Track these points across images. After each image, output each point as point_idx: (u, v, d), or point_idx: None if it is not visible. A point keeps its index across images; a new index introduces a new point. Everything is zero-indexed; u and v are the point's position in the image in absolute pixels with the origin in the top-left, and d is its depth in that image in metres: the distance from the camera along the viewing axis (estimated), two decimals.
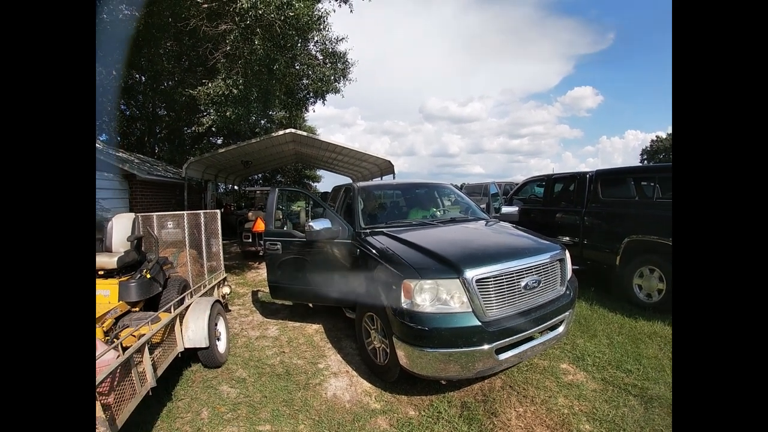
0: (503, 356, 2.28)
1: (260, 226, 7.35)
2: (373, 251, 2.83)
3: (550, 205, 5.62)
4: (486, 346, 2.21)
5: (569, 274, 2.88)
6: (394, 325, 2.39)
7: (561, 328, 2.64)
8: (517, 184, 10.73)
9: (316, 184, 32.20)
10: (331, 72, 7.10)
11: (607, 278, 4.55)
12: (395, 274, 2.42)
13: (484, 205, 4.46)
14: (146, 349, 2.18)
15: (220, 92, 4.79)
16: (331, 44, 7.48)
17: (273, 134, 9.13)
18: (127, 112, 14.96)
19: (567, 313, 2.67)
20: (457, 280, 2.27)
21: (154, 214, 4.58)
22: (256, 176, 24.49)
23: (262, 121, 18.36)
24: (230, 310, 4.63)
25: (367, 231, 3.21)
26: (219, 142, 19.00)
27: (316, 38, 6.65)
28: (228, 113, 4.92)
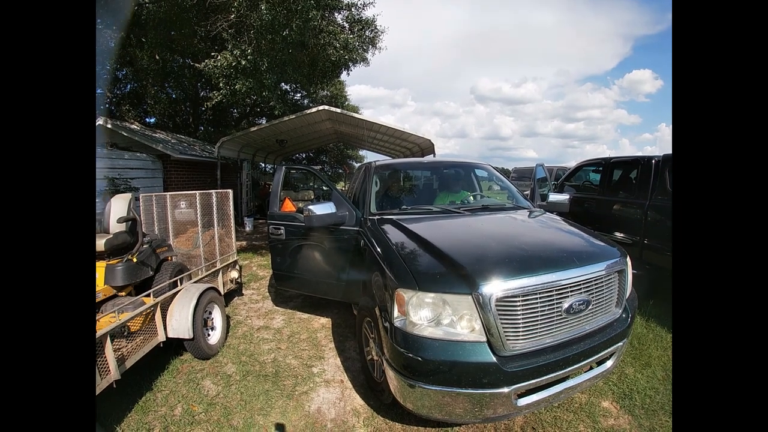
0: (525, 401, 1.70)
1: (289, 206, 7.19)
2: (375, 243, 2.34)
3: (607, 195, 4.75)
4: (502, 390, 1.64)
5: (629, 290, 2.14)
6: (385, 345, 1.90)
7: (609, 363, 2.00)
8: (570, 169, 9.54)
9: (358, 164, 31.93)
10: (355, 40, 6.45)
11: (669, 288, 3.69)
12: (389, 278, 1.90)
13: (528, 191, 3.77)
14: (108, 340, 2.00)
15: (226, 64, 4.46)
16: (357, 10, 6.79)
17: (306, 111, 8.80)
18: (173, 95, 15.48)
19: (620, 344, 2.00)
20: (469, 296, 1.67)
21: (168, 194, 4.53)
22: (300, 156, 24.61)
23: (301, 98, 18.17)
24: (242, 294, 4.49)
25: (375, 218, 2.72)
26: (263, 121, 19.24)
27: (341, 4, 6.07)
28: (237, 86, 4.60)
